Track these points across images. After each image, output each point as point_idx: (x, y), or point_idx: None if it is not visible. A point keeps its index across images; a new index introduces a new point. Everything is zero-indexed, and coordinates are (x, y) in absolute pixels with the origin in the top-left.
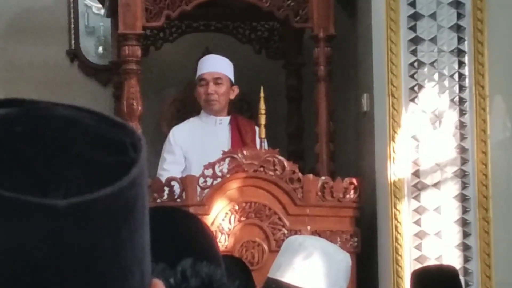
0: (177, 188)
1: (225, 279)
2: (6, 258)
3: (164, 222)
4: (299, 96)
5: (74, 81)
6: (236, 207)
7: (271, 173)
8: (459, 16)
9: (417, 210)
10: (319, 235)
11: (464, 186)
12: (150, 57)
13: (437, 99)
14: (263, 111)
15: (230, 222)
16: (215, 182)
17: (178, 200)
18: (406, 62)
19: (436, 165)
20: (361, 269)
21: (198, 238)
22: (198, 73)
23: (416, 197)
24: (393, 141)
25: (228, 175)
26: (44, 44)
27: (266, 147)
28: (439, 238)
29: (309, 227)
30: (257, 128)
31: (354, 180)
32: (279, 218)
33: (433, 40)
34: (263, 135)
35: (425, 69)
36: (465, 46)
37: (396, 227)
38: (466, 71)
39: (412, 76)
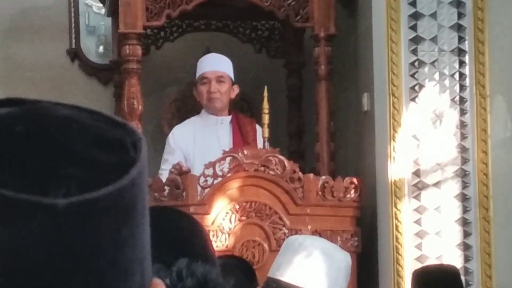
0: (177, 187)
1: (221, 278)
2: (6, 257)
3: (158, 222)
4: (300, 95)
5: (75, 80)
6: (237, 207)
7: (271, 172)
8: (460, 15)
9: (418, 210)
10: (320, 235)
11: (464, 185)
12: (151, 56)
13: (438, 99)
14: (266, 111)
15: (230, 222)
16: (215, 181)
17: (179, 199)
18: (406, 61)
19: (436, 165)
20: (361, 269)
21: (193, 238)
22: (200, 72)
23: (417, 197)
24: (394, 140)
25: (228, 175)
26: (44, 43)
27: (268, 147)
28: (439, 237)
29: (309, 227)
30: (258, 127)
31: (355, 180)
32: (280, 218)
33: (434, 39)
34: (266, 135)
35: (426, 69)
36: (466, 46)
37: (397, 226)
38: (466, 70)
39: (412, 76)
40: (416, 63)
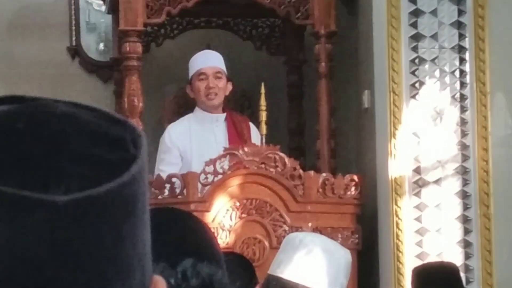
0: (178, 184)
1: (226, 279)
2: (6, 254)
3: (165, 222)
4: (300, 93)
5: (75, 77)
6: (237, 204)
7: (272, 169)
8: (460, 12)
9: (418, 207)
10: (320, 232)
11: (465, 182)
12: (151, 53)
13: (438, 96)
14: (263, 108)
15: (231, 219)
16: (216, 178)
17: (179, 196)
18: (407, 58)
19: (437, 162)
20: (362, 266)
21: (199, 238)
22: (196, 68)
23: (417, 194)
24: (394, 137)
25: (229, 172)
26: (45, 41)
27: (264, 144)
28: (440, 234)
29: (310, 224)
30: (251, 125)
31: (355, 177)
32: (280, 215)
33: (434, 36)
34: (264, 132)
35: (426, 66)
36: (466, 43)
37: (397, 223)
38: (467, 67)
39: (413, 73)
40: (416, 60)
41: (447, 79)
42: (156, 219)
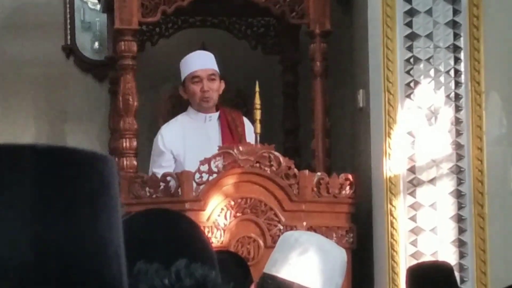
0: (173, 183)
1: (219, 279)
2: None
3: (159, 223)
4: (295, 92)
5: (70, 76)
6: (232, 203)
7: (267, 168)
8: (455, 12)
9: (413, 206)
10: (315, 231)
11: (459, 182)
12: (146, 52)
13: (433, 95)
14: (258, 106)
15: (225, 218)
16: (210, 177)
17: (174, 196)
18: (402, 58)
19: (431, 161)
20: (356, 265)
21: (193, 239)
22: (189, 70)
23: (412, 193)
24: (389, 137)
25: (223, 171)
26: (40, 40)
27: (259, 142)
28: (434, 234)
29: (304, 223)
30: (245, 120)
31: (350, 176)
32: (275, 214)
33: (429, 36)
34: (258, 130)
35: (421, 65)
36: (461, 42)
37: (392, 223)
38: (462, 67)
39: (408, 72)
40: (411, 60)
41: (442, 78)
42: (149, 220)
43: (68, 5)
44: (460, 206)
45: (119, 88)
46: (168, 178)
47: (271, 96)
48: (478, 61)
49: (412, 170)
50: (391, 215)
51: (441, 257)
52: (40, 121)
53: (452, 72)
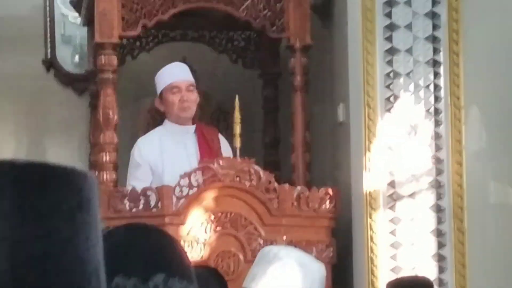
0: (153, 198)
1: None
2: None
3: (136, 237)
4: (275, 105)
5: (50, 90)
6: (212, 217)
7: (247, 183)
8: (435, 27)
9: (393, 221)
10: (295, 245)
11: (439, 196)
12: (127, 66)
13: (413, 110)
14: (238, 120)
15: (205, 232)
16: (191, 192)
17: (154, 209)
18: (382, 72)
19: (411, 176)
20: (336, 280)
21: (170, 254)
22: (168, 81)
23: (392, 208)
24: (369, 151)
25: (204, 185)
26: (19, 53)
27: (238, 157)
28: (414, 248)
29: (284, 237)
30: (220, 137)
31: (330, 190)
32: (255, 228)
33: (409, 50)
34: (238, 145)
35: (401, 80)
36: (441, 57)
37: (372, 237)
38: (441, 81)
39: (388, 87)
40: (391, 74)
41: (422, 93)
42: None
43: (48, 18)
44: (439, 221)
45: (99, 101)
46: (148, 192)
47: (251, 110)
48: (457, 76)
49: (392, 184)
50: (371, 229)
51: (420, 272)
52: (20, 134)
53: (431, 87)
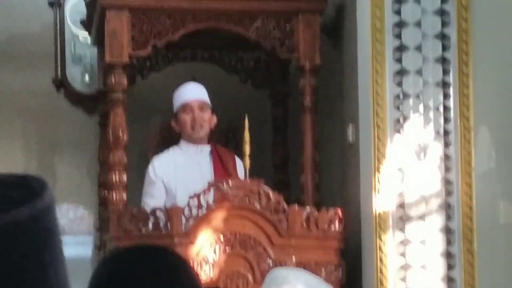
0: (162, 218)
1: None
2: None
3: (146, 259)
4: (285, 125)
5: (60, 109)
6: (221, 238)
7: (256, 203)
8: (444, 48)
9: (402, 242)
10: (304, 266)
11: (448, 218)
12: (137, 85)
13: (422, 131)
14: (247, 141)
15: (215, 253)
16: (200, 212)
17: (163, 230)
18: (391, 93)
19: (421, 197)
20: None
21: (180, 275)
22: (180, 101)
23: (401, 229)
24: (378, 172)
25: (213, 206)
26: (30, 72)
27: (248, 177)
28: (423, 270)
29: (294, 258)
30: (237, 159)
31: (339, 211)
32: (264, 249)
33: (419, 71)
34: (247, 165)
35: (410, 101)
36: (450, 78)
37: (381, 259)
38: (451, 103)
39: (397, 108)
40: (400, 95)
41: (431, 114)
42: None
43: (59, 38)
44: (449, 242)
45: (109, 121)
46: (157, 212)
47: (260, 130)
48: (467, 97)
49: (401, 205)
50: (380, 250)
51: None
52: (29, 153)
53: (441, 108)
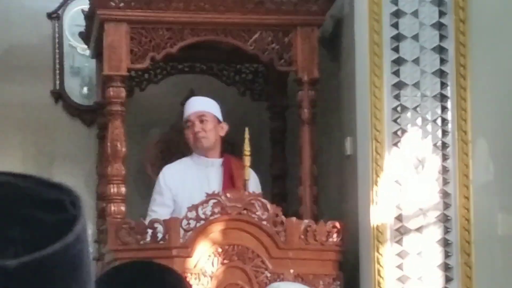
0: (160, 230)
1: None
2: None
3: (144, 275)
4: (283, 138)
5: (59, 121)
6: (219, 250)
7: (254, 215)
8: (442, 61)
9: (400, 254)
10: (302, 279)
11: (446, 230)
12: (135, 97)
13: (420, 144)
14: (247, 153)
15: (213, 265)
16: (198, 224)
17: (161, 242)
18: (389, 106)
19: (418, 210)
20: None
21: None
22: (184, 117)
23: (399, 241)
24: (376, 185)
25: (211, 218)
26: (28, 84)
27: (248, 189)
28: (421, 282)
29: (292, 271)
30: (251, 172)
31: (337, 224)
32: (262, 261)
33: (416, 85)
34: (247, 177)
35: (408, 114)
36: (448, 91)
37: (379, 271)
38: (449, 116)
39: (395, 121)
40: (398, 108)
41: (429, 127)
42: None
43: (57, 50)
44: (446, 255)
45: (107, 133)
46: (156, 224)
47: (258, 142)
48: (465, 110)
49: (399, 218)
50: (378, 263)
51: None
52: (28, 165)
53: (439, 121)
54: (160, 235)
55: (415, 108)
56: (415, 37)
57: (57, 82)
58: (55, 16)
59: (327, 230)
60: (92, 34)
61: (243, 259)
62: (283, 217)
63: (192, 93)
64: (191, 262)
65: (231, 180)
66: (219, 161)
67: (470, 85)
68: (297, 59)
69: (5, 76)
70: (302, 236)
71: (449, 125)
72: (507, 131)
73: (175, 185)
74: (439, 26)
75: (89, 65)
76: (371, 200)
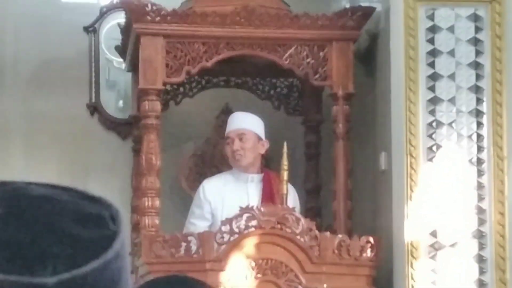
0: (194, 243)
1: None
2: None
3: None
4: (317, 152)
5: (94, 134)
6: (253, 264)
7: (288, 230)
8: (478, 77)
9: (434, 270)
10: None
11: (481, 247)
12: (170, 111)
13: (455, 160)
14: (285, 167)
15: (246, 279)
16: (232, 238)
17: (195, 255)
18: (424, 122)
19: (453, 226)
20: None
21: None
22: (225, 133)
23: (433, 257)
24: (410, 200)
25: (245, 232)
26: (64, 97)
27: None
28: None
29: (325, 285)
30: (290, 186)
31: (371, 239)
32: (296, 276)
33: (452, 100)
34: (285, 191)
35: (444, 129)
36: (484, 107)
37: (413, 287)
38: (484, 132)
39: (430, 136)
40: (434, 124)
41: (464, 142)
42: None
43: (93, 63)
44: (481, 271)
45: (142, 146)
46: (189, 237)
47: (293, 156)
48: (500, 126)
49: (433, 234)
50: (412, 278)
51: None
52: (63, 177)
53: (474, 137)
54: (194, 249)
55: (450, 124)
56: (451, 53)
57: (93, 95)
58: (91, 29)
59: (361, 245)
60: (128, 47)
61: (276, 274)
62: (316, 231)
63: (227, 107)
64: (224, 276)
65: (271, 195)
66: (259, 176)
67: (506, 101)
68: (332, 73)
69: (42, 89)
70: (336, 251)
71: (485, 141)
72: None
73: (214, 199)
74: (475, 41)
75: (125, 79)
76: (405, 215)
